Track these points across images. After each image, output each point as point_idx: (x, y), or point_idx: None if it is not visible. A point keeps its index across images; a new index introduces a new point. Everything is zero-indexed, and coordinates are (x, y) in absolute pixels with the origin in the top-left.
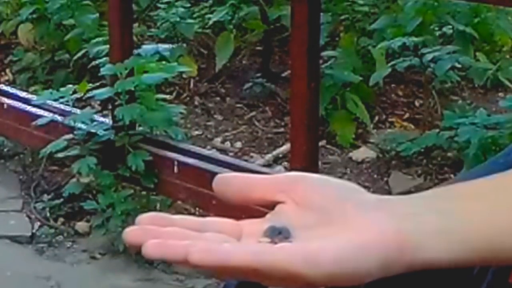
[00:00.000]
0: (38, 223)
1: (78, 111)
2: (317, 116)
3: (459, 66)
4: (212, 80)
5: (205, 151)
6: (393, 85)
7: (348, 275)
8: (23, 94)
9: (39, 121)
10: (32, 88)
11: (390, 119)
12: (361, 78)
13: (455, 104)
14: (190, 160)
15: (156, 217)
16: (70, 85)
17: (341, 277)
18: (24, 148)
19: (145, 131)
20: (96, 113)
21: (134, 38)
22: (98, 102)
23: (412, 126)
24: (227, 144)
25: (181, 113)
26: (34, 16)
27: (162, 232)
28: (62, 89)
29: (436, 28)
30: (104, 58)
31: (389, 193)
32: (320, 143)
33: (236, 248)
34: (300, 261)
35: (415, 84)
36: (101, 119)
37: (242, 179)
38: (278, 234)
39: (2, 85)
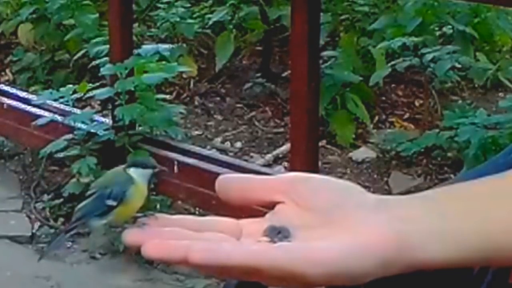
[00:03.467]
0: (38, 223)
1: (78, 111)
2: (317, 116)
3: (459, 66)
4: (212, 80)
5: (205, 151)
6: (393, 85)
7: (348, 275)
8: (23, 94)
9: (39, 121)
10: (32, 88)
11: (390, 119)
12: (361, 78)
13: (455, 104)
14: (190, 160)
15: (156, 218)
16: (70, 85)
17: (341, 277)
18: (24, 148)
19: (145, 131)
20: (96, 113)
21: (134, 38)
22: (98, 102)
23: (412, 126)
24: (227, 144)
25: (181, 113)
26: (34, 16)
27: (161, 232)
28: (62, 89)
29: (436, 28)
30: (104, 58)
31: (389, 193)
32: (320, 143)
33: (235, 248)
34: (300, 260)
35: (415, 84)
36: (101, 119)
37: (242, 180)
38: (277, 233)
39: (2, 85)
